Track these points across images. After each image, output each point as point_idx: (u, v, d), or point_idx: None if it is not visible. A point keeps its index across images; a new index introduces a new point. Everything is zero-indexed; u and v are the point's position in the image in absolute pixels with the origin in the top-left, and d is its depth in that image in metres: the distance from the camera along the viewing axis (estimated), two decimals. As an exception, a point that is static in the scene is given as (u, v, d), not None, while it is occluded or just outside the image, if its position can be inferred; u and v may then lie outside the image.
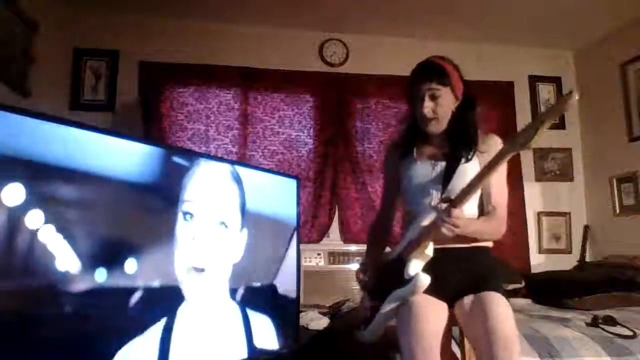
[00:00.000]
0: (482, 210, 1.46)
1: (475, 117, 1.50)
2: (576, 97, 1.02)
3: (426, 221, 1.33)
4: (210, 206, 1.65)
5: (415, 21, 3.24)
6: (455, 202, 1.24)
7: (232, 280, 1.70)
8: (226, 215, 1.70)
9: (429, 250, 1.34)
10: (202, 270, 1.59)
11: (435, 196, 1.43)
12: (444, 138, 1.50)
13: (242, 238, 1.78)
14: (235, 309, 1.70)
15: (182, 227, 1.53)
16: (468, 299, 1.34)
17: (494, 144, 1.47)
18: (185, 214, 1.55)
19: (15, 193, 1.11)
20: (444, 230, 1.24)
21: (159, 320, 1.43)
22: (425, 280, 1.30)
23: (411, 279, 1.31)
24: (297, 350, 1.94)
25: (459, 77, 1.47)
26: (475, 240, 1.45)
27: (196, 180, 1.61)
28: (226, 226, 1.69)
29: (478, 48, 3.50)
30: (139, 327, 1.38)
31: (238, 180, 1.79)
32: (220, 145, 3.13)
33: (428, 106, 1.43)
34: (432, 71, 1.44)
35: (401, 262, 1.38)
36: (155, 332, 1.41)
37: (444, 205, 1.26)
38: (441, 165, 1.46)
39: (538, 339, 1.78)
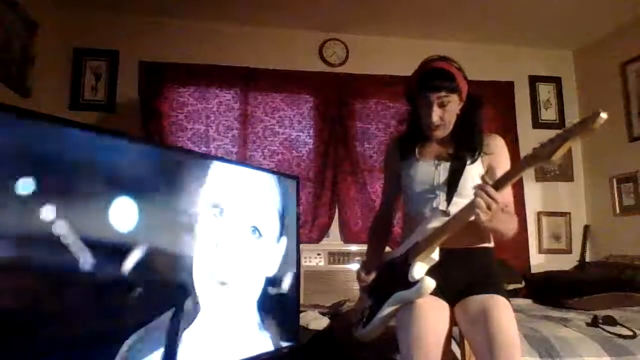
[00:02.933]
0: None
1: (480, 118, 1.49)
2: (604, 115, 1.00)
3: (434, 224, 1.32)
4: (240, 207, 1.40)
5: (415, 21, 3.24)
6: (495, 185, 1.19)
7: (232, 279, 1.69)
8: (260, 219, 1.44)
9: (435, 254, 1.33)
10: (223, 284, 1.43)
11: (441, 198, 1.43)
12: (448, 138, 1.49)
13: (279, 249, 1.57)
14: (238, 309, 1.70)
15: (205, 229, 1.38)
16: (469, 301, 1.33)
17: (497, 145, 1.47)
18: (214, 207, 1.35)
19: (16, 193, 1.11)
20: (479, 212, 1.16)
21: (171, 328, 1.38)
22: (430, 284, 1.29)
23: (416, 282, 1.31)
24: (297, 350, 1.94)
25: (464, 79, 1.44)
26: (478, 241, 1.45)
27: (220, 179, 1.42)
28: (260, 234, 1.47)
29: (478, 48, 3.50)
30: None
31: (273, 183, 1.59)
32: (220, 146, 3.13)
33: (437, 114, 1.41)
34: (442, 80, 1.39)
35: (404, 263, 1.37)
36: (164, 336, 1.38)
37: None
38: (444, 165, 1.45)
39: (538, 339, 1.78)
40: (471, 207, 1.21)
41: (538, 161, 1.13)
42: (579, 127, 1.05)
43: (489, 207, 1.16)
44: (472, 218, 1.21)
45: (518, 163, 1.19)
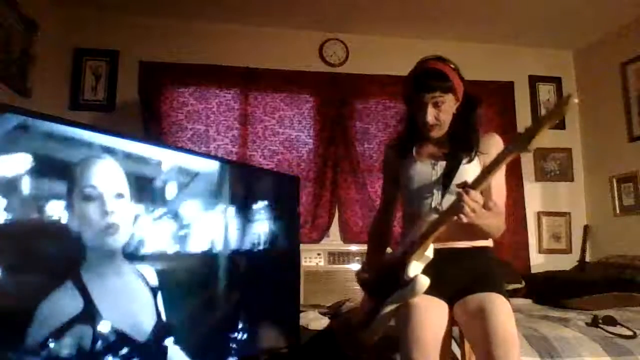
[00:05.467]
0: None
1: (476, 118, 1.49)
2: (575, 100, 1.02)
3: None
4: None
5: (415, 21, 3.24)
6: (472, 185, 1.21)
7: (231, 279, 1.70)
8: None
9: (429, 252, 1.33)
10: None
11: (437, 196, 1.43)
12: (444, 138, 1.49)
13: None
14: (235, 309, 1.70)
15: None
16: (468, 300, 1.33)
17: (495, 144, 1.46)
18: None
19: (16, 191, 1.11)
20: (462, 215, 1.18)
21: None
22: (424, 282, 1.29)
23: (411, 280, 1.31)
24: (297, 350, 1.94)
25: (459, 79, 1.45)
26: (476, 239, 1.44)
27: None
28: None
29: (478, 48, 3.50)
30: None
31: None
32: (220, 146, 3.13)
33: (431, 114, 1.41)
34: (436, 80, 1.40)
35: (402, 263, 1.37)
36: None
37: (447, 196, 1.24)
38: (441, 164, 1.46)
39: (538, 339, 1.78)
40: (453, 208, 1.22)
41: (516, 150, 1.12)
42: (552, 113, 1.05)
43: (473, 210, 1.18)
44: (455, 218, 1.22)
45: (497, 155, 1.18)
